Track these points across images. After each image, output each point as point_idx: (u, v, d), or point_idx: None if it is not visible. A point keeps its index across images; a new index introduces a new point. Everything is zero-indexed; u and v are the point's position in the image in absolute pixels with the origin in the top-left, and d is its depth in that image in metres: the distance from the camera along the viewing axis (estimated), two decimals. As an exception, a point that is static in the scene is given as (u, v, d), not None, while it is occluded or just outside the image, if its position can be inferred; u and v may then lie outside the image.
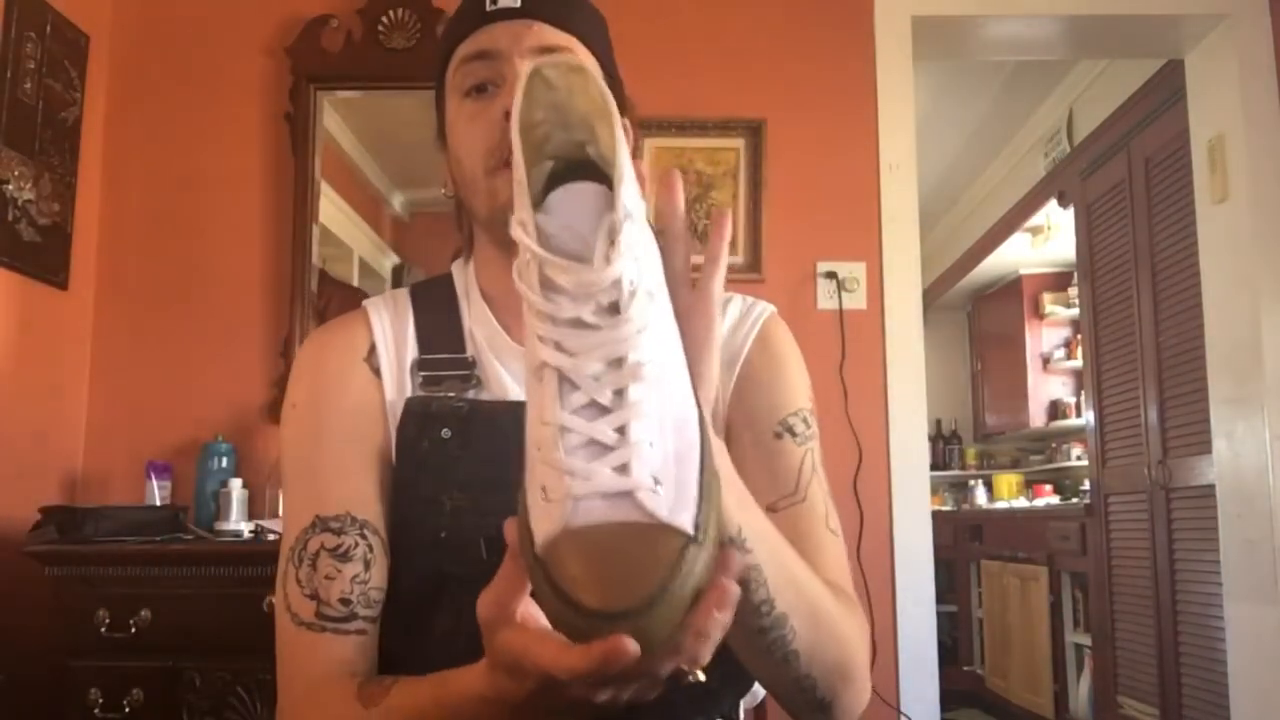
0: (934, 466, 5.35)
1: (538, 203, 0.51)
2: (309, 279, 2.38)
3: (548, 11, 0.83)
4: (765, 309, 0.89)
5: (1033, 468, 5.51)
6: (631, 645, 0.43)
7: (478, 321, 0.87)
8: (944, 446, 5.95)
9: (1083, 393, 4.28)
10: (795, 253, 2.43)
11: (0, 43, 2.07)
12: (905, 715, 2.29)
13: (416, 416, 0.80)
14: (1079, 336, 4.44)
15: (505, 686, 0.52)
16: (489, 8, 0.83)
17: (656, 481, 0.47)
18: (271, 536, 1.99)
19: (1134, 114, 3.33)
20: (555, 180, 0.53)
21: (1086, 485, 4.27)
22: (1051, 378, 5.23)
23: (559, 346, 0.49)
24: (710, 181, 2.45)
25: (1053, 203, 4.16)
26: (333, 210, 2.49)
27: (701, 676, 0.50)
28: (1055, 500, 4.89)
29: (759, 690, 1.04)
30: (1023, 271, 5.29)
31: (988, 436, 5.97)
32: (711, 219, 0.60)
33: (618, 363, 0.48)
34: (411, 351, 0.85)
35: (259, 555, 1.84)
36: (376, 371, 0.84)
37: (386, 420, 0.82)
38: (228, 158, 2.44)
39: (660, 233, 0.58)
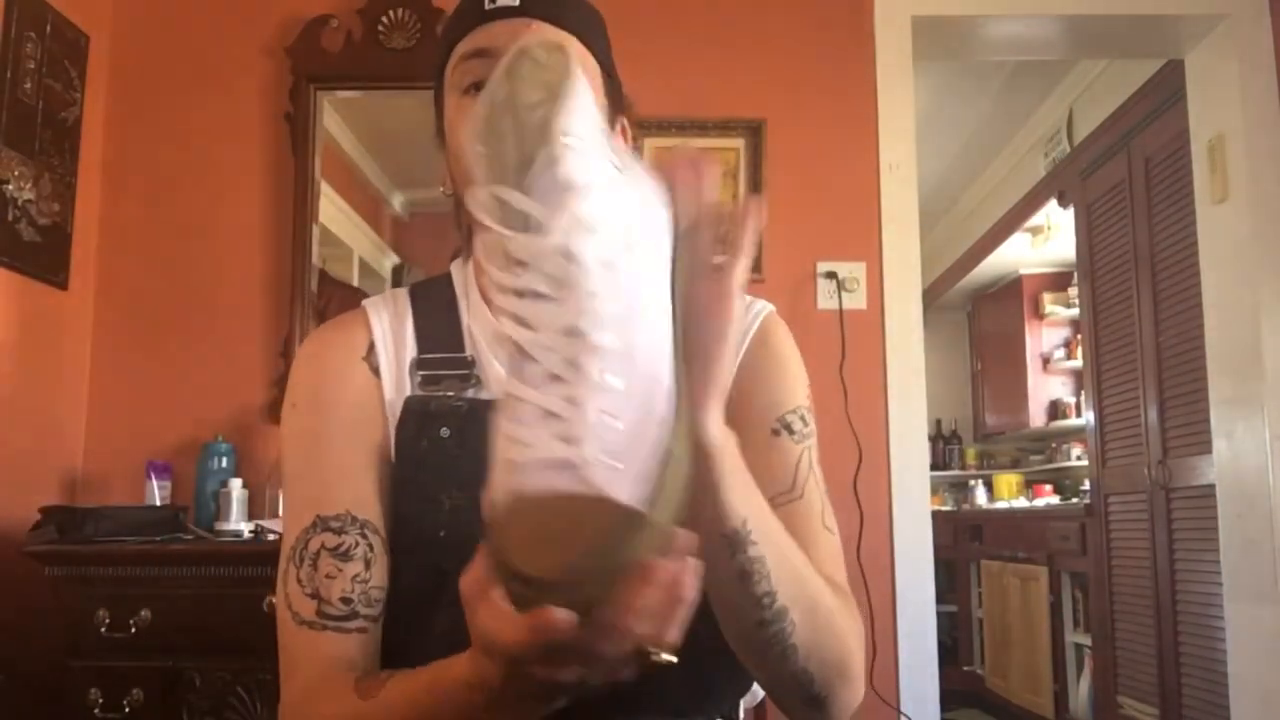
0: (934, 466, 5.35)
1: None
2: (309, 279, 2.38)
3: (546, 9, 0.83)
4: (764, 307, 0.90)
5: (1033, 468, 5.51)
6: (560, 617, 0.43)
7: (477, 320, 0.87)
8: (944, 446, 5.95)
9: (1083, 393, 4.28)
10: (795, 253, 2.43)
11: (0, 43, 2.07)
12: (905, 715, 2.29)
13: (416, 415, 0.81)
14: (1079, 336, 4.44)
15: (484, 668, 0.52)
16: (488, 6, 0.83)
17: (607, 455, 0.47)
18: (271, 536, 1.99)
19: (1134, 114, 3.33)
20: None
21: (1086, 485, 4.27)
22: (1051, 378, 5.23)
23: (517, 318, 0.50)
24: (710, 181, 2.45)
25: (1053, 203, 4.17)
26: (333, 210, 2.49)
27: (669, 658, 0.49)
28: (1055, 500, 4.89)
29: (759, 690, 1.04)
30: (1023, 271, 5.29)
31: (988, 436, 5.98)
32: (740, 207, 0.59)
33: (570, 332, 0.48)
34: (411, 351, 0.85)
35: (259, 555, 1.84)
36: (375, 371, 0.84)
37: (386, 419, 0.82)
38: (228, 158, 2.44)
39: (680, 217, 0.58)
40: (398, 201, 2.65)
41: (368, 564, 0.76)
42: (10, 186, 2.08)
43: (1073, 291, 4.75)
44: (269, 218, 2.42)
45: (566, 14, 0.84)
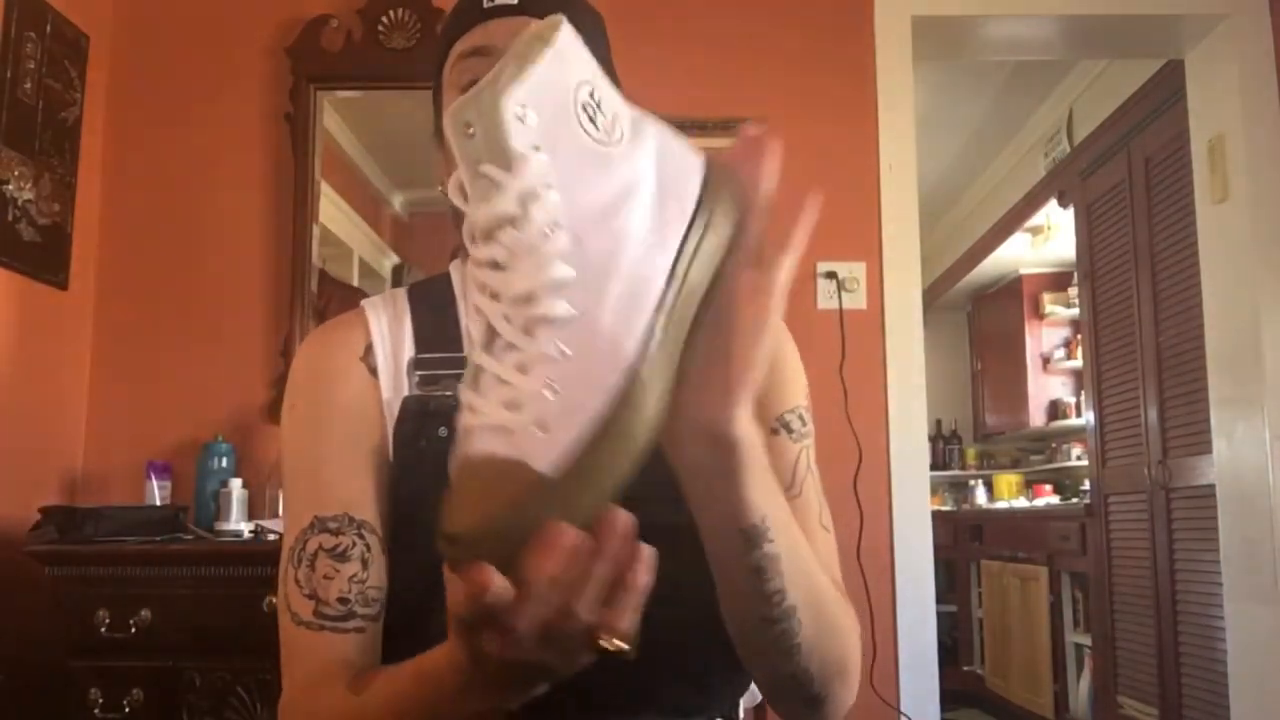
0: (934, 466, 5.34)
1: None
2: (309, 279, 2.38)
3: (544, 8, 0.83)
4: None
5: (1033, 468, 5.51)
6: (483, 570, 0.45)
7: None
8: (944, 446, 5.95)
9: (1083, 393, 4.28)
10: (795, 253, 2.42)
11: (0, 43, 2.07)
12: (905, 715, 2.29)
13: (414, 415, 0.81)
14: (1079, 336, 4.44)
15: (457, 649, 0.53)
16: (486, 4, 0.83)
17: (538, 422, 0.47)
18: (271, 536, 1.99)
19: (1134, 114, 3.33)
20: None
21: (1086, 485, 4.27)
22: (1051, 378, 5.23)
23: (484, 289, 0.51)
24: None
25: (1053, 203, 4.17)
26: (333, 210, 2.49)
27: (621, 645, 0.49)
28: (1055, 500, 4.89)
29: (758, 690, 1.04)
30: (1023, 271, 5.29)
31: (988, 436, 5.98)
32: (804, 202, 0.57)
33: (524, 300, 0.49)
34: (409, 351, 0.85)
35: (259, 555, 1.84)
36: (373, 371, 0.84)
37: (384, 419, 0.82)
38: (228, 158, 2.44)
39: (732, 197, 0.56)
40: (398, 201, 2.65)
41: (365, 564, 0.76)
42: (10, 186, 2.09)
43: (1073, 291, 4.75)
44: (269, 218, 2.42)
45: (564, 12, 0.84)
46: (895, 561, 2.36)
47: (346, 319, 0.88)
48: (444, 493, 0.49)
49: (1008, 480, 5.40)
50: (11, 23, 2.10)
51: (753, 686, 0.86)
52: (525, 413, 0.48)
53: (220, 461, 2.20)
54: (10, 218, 2.09)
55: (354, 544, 0.77)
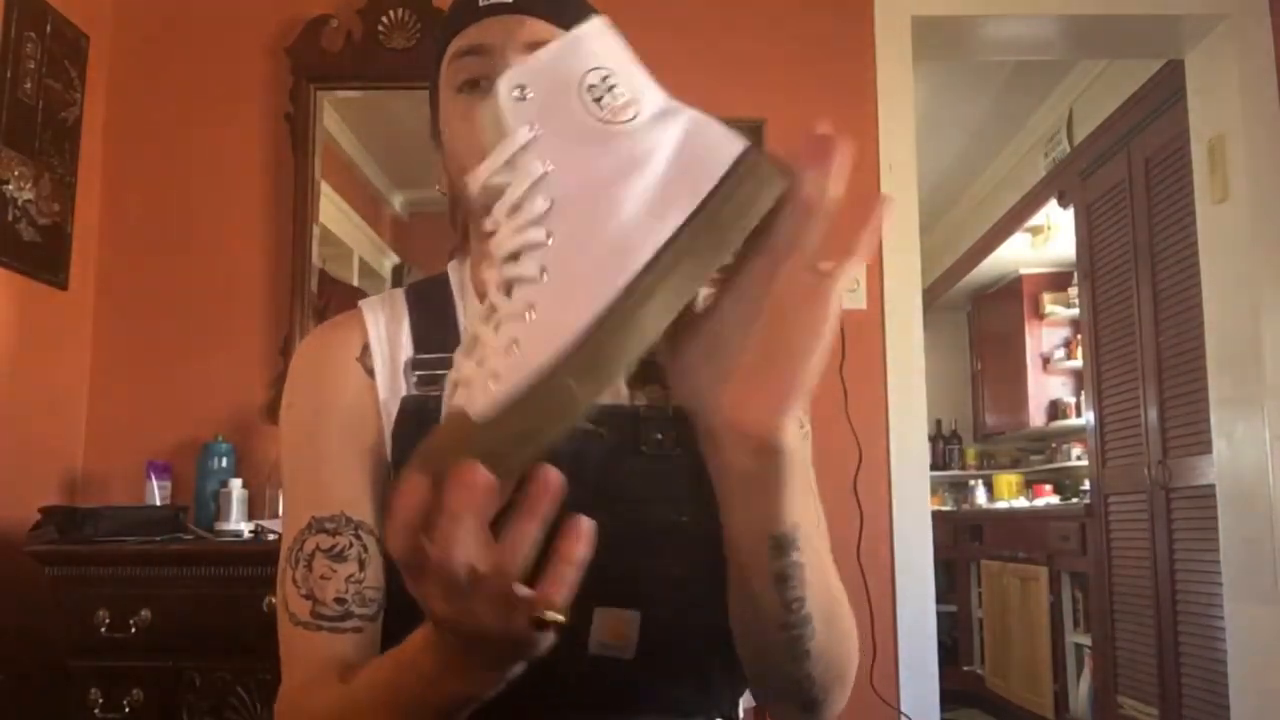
0: (934, 466, 5.35)
1: None
2: (309, 279, 2.38)
3: (541, 6, 0.83)
4: None
5: (1033, 468, 5.51)
6: (411, 479, 0.47)
7: (473, 320, 0.87)
8: (944, 446, 5.95)
9: (1083, 393, 4.28)
10: (795, 253, 2.43)
11: (0, 43, 2.07)
12: (905, 715, 2.29)
13: (412, 415, 0.81)
14: (1079, 336, 4.44)
15: (427, 629, 0.53)
16: (481, 2, 0.83)
17: (495, 375, 0.49)
18: (271, 536, 1.99)
19: (1134, 114, 3.33)
20: None
21: (1086, 485, 4.27)
22: (1051, 378, 5.23)
23: (488, 257, 0.54)
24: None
25: (1053, 203, 4.17)
26: (333, 210, 2.49)
27: (557, 618, 0.50)
28: (1055, 500, 4.89)
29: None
30: (1023, 271, 5.29)
31: (988, 436, 5.98)
32: (871, 206, 0.55)
33: (504, 261, 0.52)
34: (407, 351, 0.85)
35: (259, 555, 1.84)
36: (370, 371, 0.84)
37: (380, 420, 0.82)
38: (228, 158, 2.44)
39: (793, 195, 0.56)
40: (398, 201, 2.65)
41: (362, 564, 0.76)
42: (10, 186, 2.09)
43: (1073, 291, 4.75)
44: (269, 218, 2.42)
45: (562, 11, 0.84)
46: (895, 561, 2.36)
47: (343, 319, 0.88)
48: None
49: (1008, 480, 5.40)
50: (11, 23, 2.10)
51: (752, 686, 0.86)
52: (485, 367, 0.50)
53: (220, 461, 2.21)
54: (10, 218, 2.09)
55: (351, 544, 0.77)
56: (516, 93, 0.53)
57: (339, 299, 2.42)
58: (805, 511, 0.62)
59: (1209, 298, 2.75)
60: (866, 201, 0.57)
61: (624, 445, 0.77)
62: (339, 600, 0.75)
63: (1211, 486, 2.78)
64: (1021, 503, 5.07)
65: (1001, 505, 5.15)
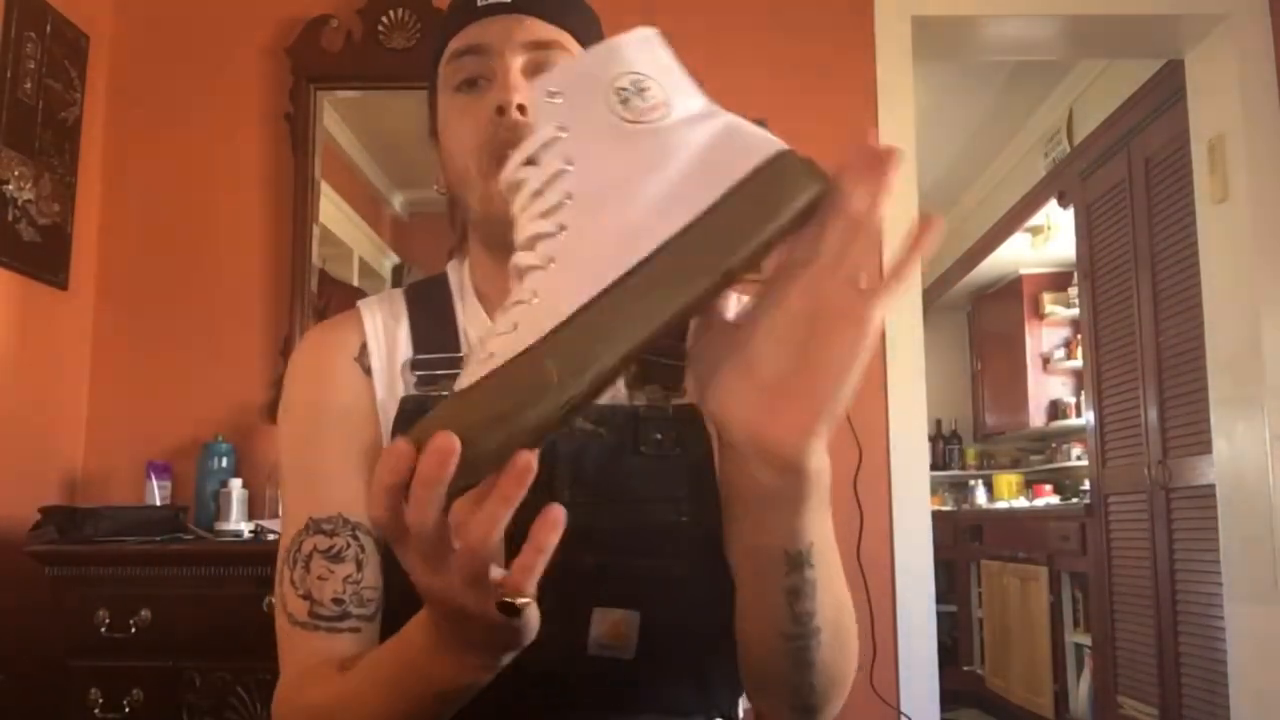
0: (934, 466, 5.35)
1: None
2: (309, 279, 2.38)
3: (540, 6, 0.83)
4: None
5: (1033, 468, 5.51)
6: (399, 442, 0.48)
7: (472, 320, 0.86)
8: (944, 446, 5.95)
9: (1083, 393, 4.28)
10: (795, 253, 2.42)
11: (0, 43, 2.07)
12: (905, 715, 2.29)
13: (411, 415, 0.80)
14: (1079, 336, 4.44)
15: (424, 614, 0.54)
16: (480, 2, 0.82)
17: (490, 356, 0.50)
18: (271, 536, 1.99)
19: (1134, 114, 3.33)
20: None
21: (1086, 485, 4.27)
22: (1051, 378, 5.23)
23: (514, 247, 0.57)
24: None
25: (1053, 203, 4.16)
26: (333, 210, 2.49)
27: (524, 601, 0.50)
28: (1055, 500, 4.89)
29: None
30: (1023, 271, 5.29)
31: (988, 436, 5.97)
32: (917, 224, 0.52)
33: (520, 249, 0.54)
34: (405, 351, 0.85)
35: (259, 555, 1.84)
36: (368, 371, 0.84)
37: (378, 420, 0.82)
38: (228, 158, 2.44)
39: (835, 208, 0.53)
40: (398, 201, 2.65)
41: (359, 565, 0.76)
42: (10, 186, 2.09)
43: (1073, 291, 4.75)
44: (269, 218, 2.42)
45: (561, 10, 0.84)
46: (895, 561, 2.36)
47: (341, 319, 0.88)
48: None
49: (1008, 480, 5.40)
50: (11, 23, 2.10)
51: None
52: (486, 347, 0.51)
53: (220, 461, 2.21)
54: (10, 218, 2.09)
55: (348, 545, 0.77)
56: (547, 95, 0.56)
57: (339, 299, 2.42)
58: (822, 528, 0.62)
59: (1209, 298, 2.75)
60: (910, 218, 0.55)
61: (624, 445, 0.77)
62: (336, 601, 0.75)
63: (1211, 486, 2.78)
64: (1021, 503, 5.06)
65: (1001, 505, 5.15)
